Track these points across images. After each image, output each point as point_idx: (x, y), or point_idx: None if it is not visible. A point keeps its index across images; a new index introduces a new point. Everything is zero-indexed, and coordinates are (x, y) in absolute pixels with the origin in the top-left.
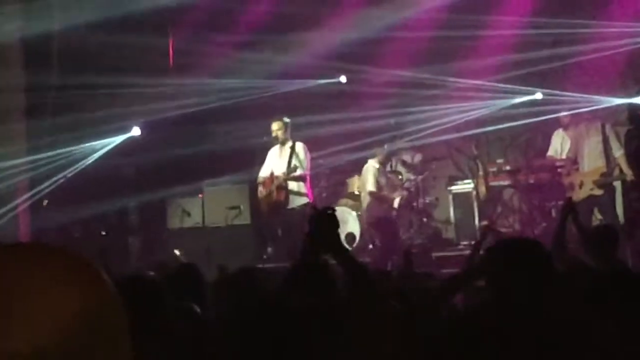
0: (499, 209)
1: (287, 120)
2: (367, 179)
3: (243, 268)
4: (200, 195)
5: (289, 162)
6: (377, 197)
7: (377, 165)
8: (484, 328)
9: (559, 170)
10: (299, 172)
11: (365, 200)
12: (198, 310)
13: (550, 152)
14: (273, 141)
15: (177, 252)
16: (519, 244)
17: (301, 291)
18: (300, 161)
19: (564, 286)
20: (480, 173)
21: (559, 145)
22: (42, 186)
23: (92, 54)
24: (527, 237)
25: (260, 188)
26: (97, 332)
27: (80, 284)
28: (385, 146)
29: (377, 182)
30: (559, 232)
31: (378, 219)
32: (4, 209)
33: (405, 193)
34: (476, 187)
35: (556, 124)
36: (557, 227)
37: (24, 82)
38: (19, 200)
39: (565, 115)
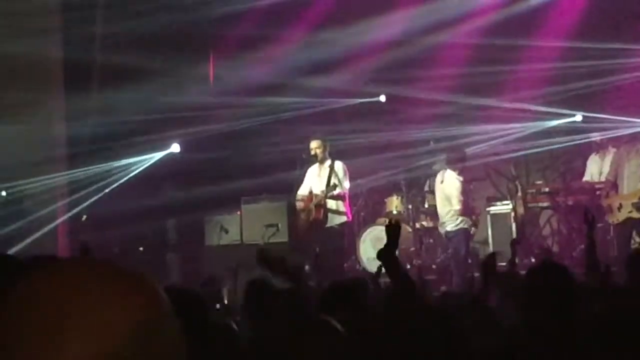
0: (537, 231)
1: (326, 138)
2: (452, 193)
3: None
4: (238, 213)
5: (328, 181)
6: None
7: (461, 178)
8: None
9: (597, 192)
10: (338, 190)
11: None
12: (235, 327)
13: (586, 177)
14: (312, 159)
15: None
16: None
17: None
18: (339, 180)
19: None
20: (519, 194)
21: (596, 169)
22: (81, 201)
23: (132, 70)
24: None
25: (299, 206)
26: (154, 348)
27: (138, 300)
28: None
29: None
30: (589, 249)
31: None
32: (43, 224)
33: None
34: (514, 209)
35: (591, 146)
36: (586, 245)
37: (65, 98)
38: (58, 215)
39: (601, 139)
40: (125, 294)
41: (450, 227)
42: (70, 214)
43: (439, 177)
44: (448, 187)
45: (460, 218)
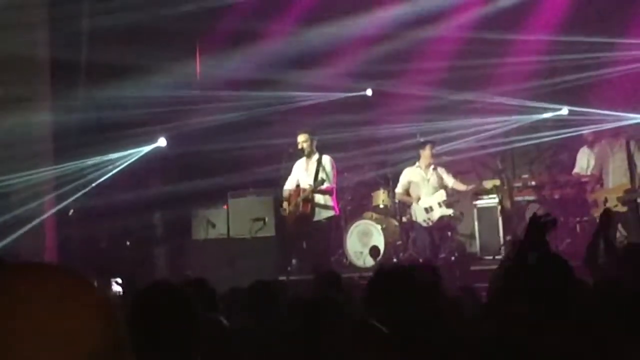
0: (524, 224)
1: (313, 132)
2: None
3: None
4: (225, 207)
5: (316, 175)
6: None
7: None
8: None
9: (584, 186)
10: (326, 185)
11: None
12: (225, 322)
13: (576, 170)
14: (299, 153)
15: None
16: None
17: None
18: (327, 174)
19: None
20: (505, 188)
21: (585, 162)
22: (69, 196)
23: (119, 66)
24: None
25: (286, 200)
26: (98, 352)
27: (81, 304)
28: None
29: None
30: (594, 243)
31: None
32: (30, 218)
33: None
34: (501, 202)
35: (582, 140)
36: (592, 239)
37: (51, 92)
38: (45, 210)
39: (590, 133)
40: (73, 299)
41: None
42: (57, 209)
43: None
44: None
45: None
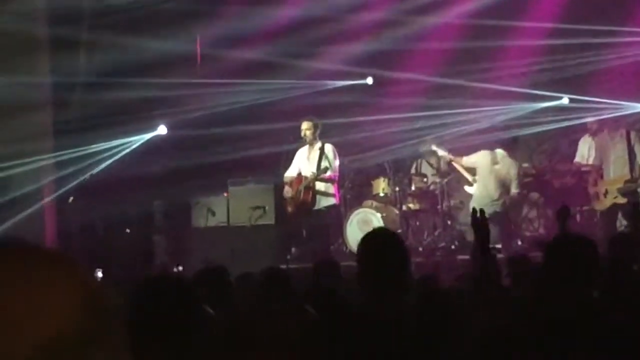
0: (524, 213)
1: (316, 120)
2: (513, 177)
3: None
4: (225, 195)
5: (319, 164)
6: None
7: None
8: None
9: (584, 175)
10: (328, 173)
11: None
12: (212, 312)
13: (577, 158)
14: (301, 141)
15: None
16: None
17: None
18: (329, 162)
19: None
20: None
21: (586, 151)
22: (68, 183)
23: (120, 52)
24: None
25: (287, 188)
26: (85, 331)
27: (75, 279)
28: None
29: None
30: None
31: None
32: (30, 206)
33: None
34: None
35: (582, 129)
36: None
37: (52, 79)
38: (45, 197)
39: (593, 122)
40: (62, 274)
41: (493, 209)
42: (56, 191)
43: (486, 157)
44: (506, 169)
45: (502, 201)
